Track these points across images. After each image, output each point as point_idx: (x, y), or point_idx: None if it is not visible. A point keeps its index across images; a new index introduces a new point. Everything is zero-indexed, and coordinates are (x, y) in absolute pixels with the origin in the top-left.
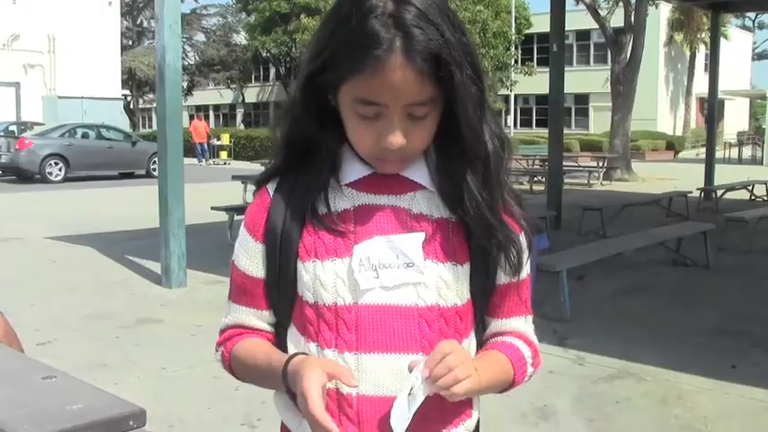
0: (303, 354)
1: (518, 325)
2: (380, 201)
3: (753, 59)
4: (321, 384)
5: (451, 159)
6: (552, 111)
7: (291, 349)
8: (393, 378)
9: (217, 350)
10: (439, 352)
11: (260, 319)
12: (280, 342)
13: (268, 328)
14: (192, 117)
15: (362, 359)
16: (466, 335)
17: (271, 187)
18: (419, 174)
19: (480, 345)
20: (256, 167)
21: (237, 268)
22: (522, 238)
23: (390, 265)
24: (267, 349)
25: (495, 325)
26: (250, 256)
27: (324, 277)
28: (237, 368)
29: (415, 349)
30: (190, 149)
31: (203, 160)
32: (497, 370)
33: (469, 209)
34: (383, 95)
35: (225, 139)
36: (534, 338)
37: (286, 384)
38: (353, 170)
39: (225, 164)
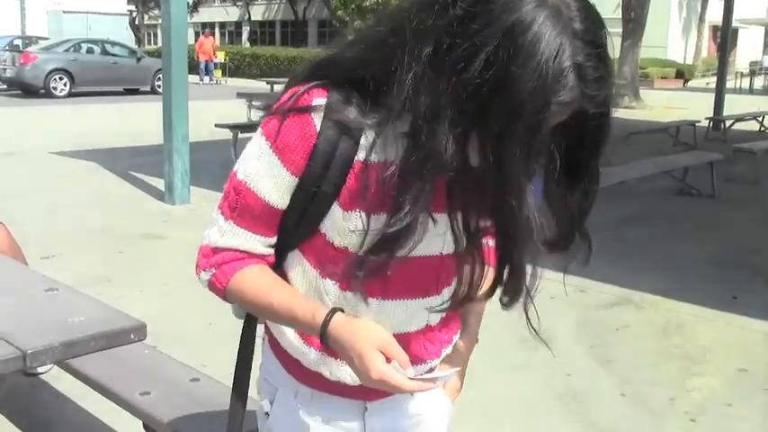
0: (339, 311)
1: None
2: None
3: None
4: (385, 362)
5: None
6: None
7: (298, 280)
8: (408, 318)
9: (206, 270)
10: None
11: (264, 245)
12: (276, 263)
13: (271, 252)
14: (197, 34)
15: (384, 304)
16: None
17: (317, 118)
18: None
19: None
20: (261, 85)
21: (254, 193)
22: None
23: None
24: (282, 289)
25: None
26: (279, 187)
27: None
28: (238, 300)
29: (431, 293)
30: (192, 67)
31: (206, 77)
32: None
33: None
34: None
35: (220, 57)
36: None
37: (324, 342)
38: None
39: (217, 82)
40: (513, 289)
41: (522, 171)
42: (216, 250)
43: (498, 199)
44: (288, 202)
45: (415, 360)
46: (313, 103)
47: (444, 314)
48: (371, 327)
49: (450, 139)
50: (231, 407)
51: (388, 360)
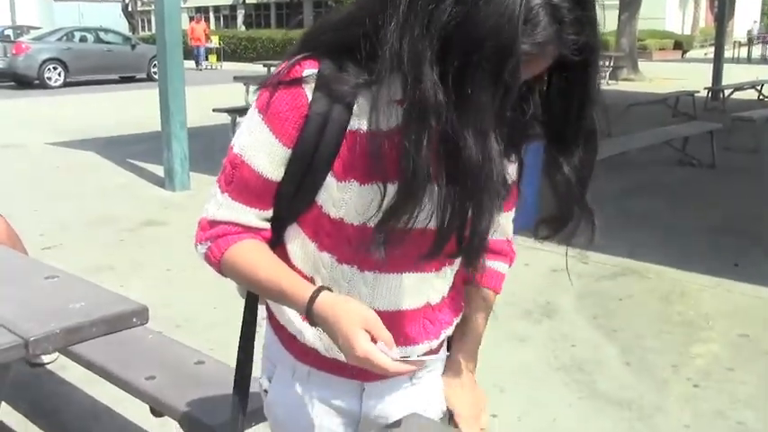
0: (326, 289)
1: (503, 222)
2: None
3: None
4: (369, 341)
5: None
6: None
7: (297, 254)
8: (407, 294)
9: (202, 243)
10: None
11: (260, 218)
12: (276, 237)
13: (266, 225)
14: (191, 19)
15: (381, 278)
16: None
17: (308, 89)
18: None
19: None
20: (258, 69)
21: (249, 166)
22: None
23: None
24: (271, 264)
25: None
26: (272, 159)
27: (360, 201)
28: (230, 273)
29: (428, 269)
30: (187, 53)
31: (202, 63)
32: (478, 343)
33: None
34: None
35: (215, 41)
36: (511, 232)
37: (310, 320)
38: None
39: (212, 67)
40: (469, 252)
41: (485, 111)
42: (212, 223)
43: (455, 142)
44: (282, 174)
45: (414, 339)
46: (304, 74)
47: (445, 294)
48: (357, 306)
49: (436, 83)
50: (235, 388)
51: (374, 340)
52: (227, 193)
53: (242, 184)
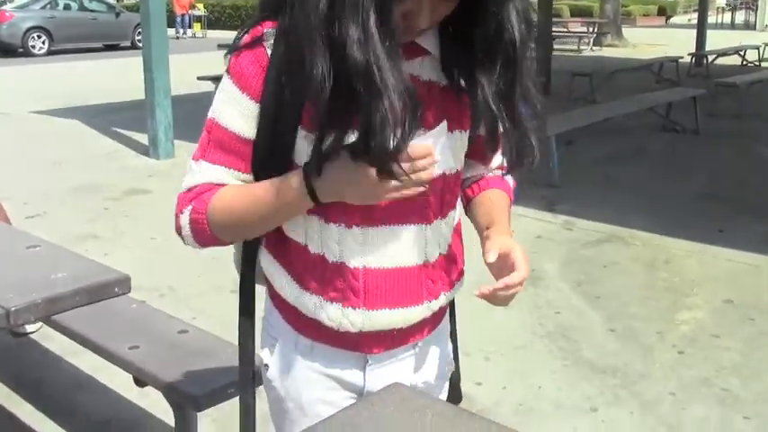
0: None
1: (498, 159)
2: None
3: None
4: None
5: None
6: None
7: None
8: (397, 250)
9: (183, 212)
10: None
11: (237, 179)
12: None
13: None
14: None
15: (370, 233)
16: (457, 195)
17: (268, 45)
18: (429, 41)
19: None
20: None
21: (221, 125)
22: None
23: None
24: (254, 187)
25: (480, 168)
26: (242, 114)
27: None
28: (219, 220)
29: (418, 220)
30: (171, 21)
31: (181, 31)
32: (508, 214)
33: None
34: None
35: (201, 9)
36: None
37: (313, 195)
38: None
39: (194, 36)
40: (372, 157)
41: (364, 9)
42: (189, 189)
43: (343, 50)
44: (255, 130)
45: (414, 299)
46: (264, 33)
47: (443, 251)
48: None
49: None
50: (241, 364)
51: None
52: (202, 159)
53: (217, 144)
